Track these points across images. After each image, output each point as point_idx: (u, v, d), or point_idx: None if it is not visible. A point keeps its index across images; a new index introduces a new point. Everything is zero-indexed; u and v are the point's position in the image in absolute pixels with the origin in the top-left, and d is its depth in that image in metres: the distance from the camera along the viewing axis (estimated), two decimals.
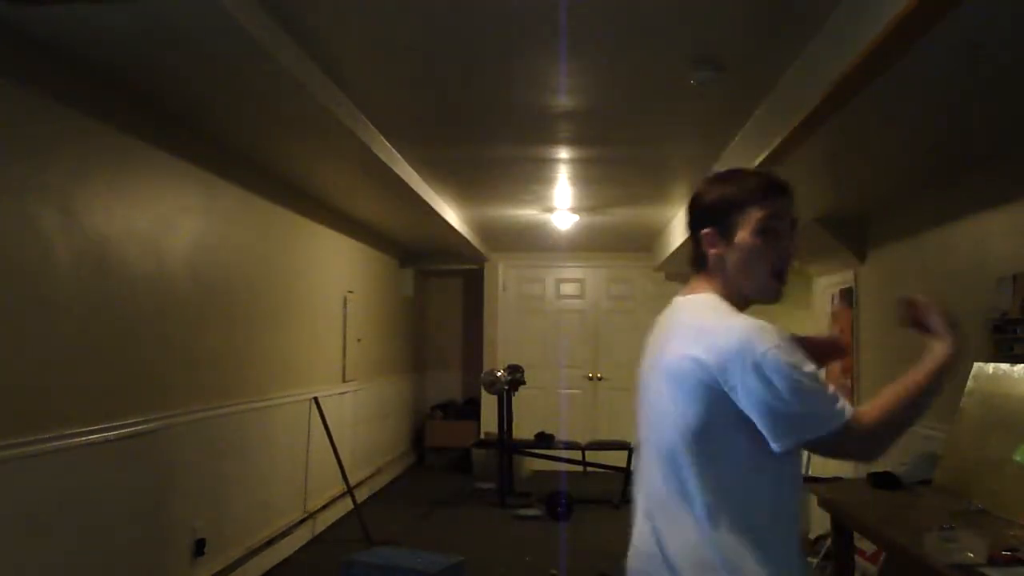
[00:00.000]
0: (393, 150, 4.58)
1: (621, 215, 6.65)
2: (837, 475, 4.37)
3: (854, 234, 5.06)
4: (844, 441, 1.41)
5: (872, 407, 1.45)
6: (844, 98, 2.72)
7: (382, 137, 4.32)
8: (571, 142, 4.53)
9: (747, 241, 1.53)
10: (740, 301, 1.55)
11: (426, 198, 5.55)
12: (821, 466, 5.77)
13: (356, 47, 3.19)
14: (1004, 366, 3.04)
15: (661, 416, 1.49)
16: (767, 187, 1.54)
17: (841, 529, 3.27)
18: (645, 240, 8.00)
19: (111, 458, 3.25)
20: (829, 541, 3.93)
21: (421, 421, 9.24)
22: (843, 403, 1.41)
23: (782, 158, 3.49)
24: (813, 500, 4.61)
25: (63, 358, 2.99)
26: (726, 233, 1.54)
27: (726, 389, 1.40)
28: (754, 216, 1.52)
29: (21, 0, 2.42)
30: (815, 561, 4.91)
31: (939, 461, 3.20)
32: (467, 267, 9.17)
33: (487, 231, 7.85)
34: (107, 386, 3.26)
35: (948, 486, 3.03)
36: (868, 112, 2.97)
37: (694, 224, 1.59)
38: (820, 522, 5.10)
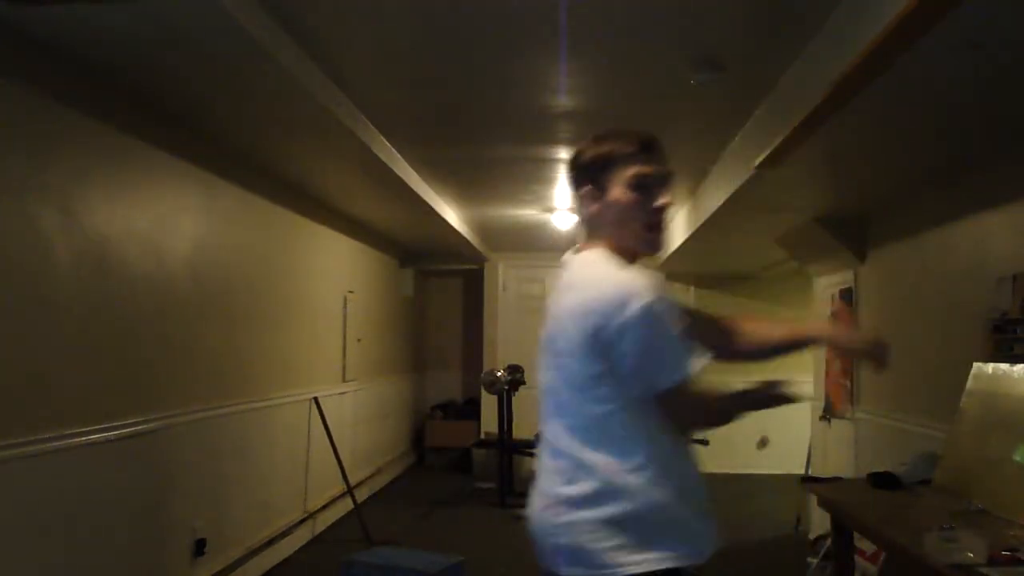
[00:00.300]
0: (393, 150, 4.58)
1: None
2: (837, 475, 4.37)
3: (854, 234, 5.05)
4: (673, 402, 1.54)
5: (713, 391, 1.59)
6: (844, 98, 2.72)
7: (382, 137, 4.32)
8: (571, 142, 4.53)
9: (620, 196, 1.62)
10: (626, 254, 1.64)
11: (426, 198, 5.55)
12: (821, 466, 5.78)
13: (356, 47, 3.20)
14: (1004, 366, 3.04)
15: (560, 366, 1.61)
16: (637, 144, 1.62)
17: (841, 529, 3.27)
18: None
19: (111, 458, 3.25)
20: (829, 541, 3.93)
21: (421, 421, 9.24)
22: (687, 368, 1.52)
23: (782, 158, 3.49)
24: (813, 500, 4.61)
25: (63, 358, 2.99)
26: (602, 190, 1.64)
27: (609, 339, 1.50)
28: (626, 173, 1.61)
29: (21, 0, 2.42)
30: (815, 561, 4.92)
31: (939, 461, 3.20)
32: (467, 267, 9.17)
33: (487, 231, 7.85)
34: (107, 386, 3.26)
35: (948, 486, 3.03)
36: (868, 112, 2.97)
37: (574, 183, 1.70)
38: (820, 522, 5.10)
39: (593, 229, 1.68)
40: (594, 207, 1.65)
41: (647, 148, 1.63)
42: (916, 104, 2.97)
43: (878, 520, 2.74)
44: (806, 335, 1.91)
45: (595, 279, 1.57)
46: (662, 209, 1.63)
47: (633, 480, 1.53)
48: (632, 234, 1.62)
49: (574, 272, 1.65)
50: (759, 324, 1.83)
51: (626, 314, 1.48)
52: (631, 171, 1.61)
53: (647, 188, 1.61)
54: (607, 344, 1.50)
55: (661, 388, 1.52)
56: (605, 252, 1.62)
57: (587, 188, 1.65)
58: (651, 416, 1.55)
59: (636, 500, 1.53)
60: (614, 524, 1.53)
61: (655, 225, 1.63)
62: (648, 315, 1.48)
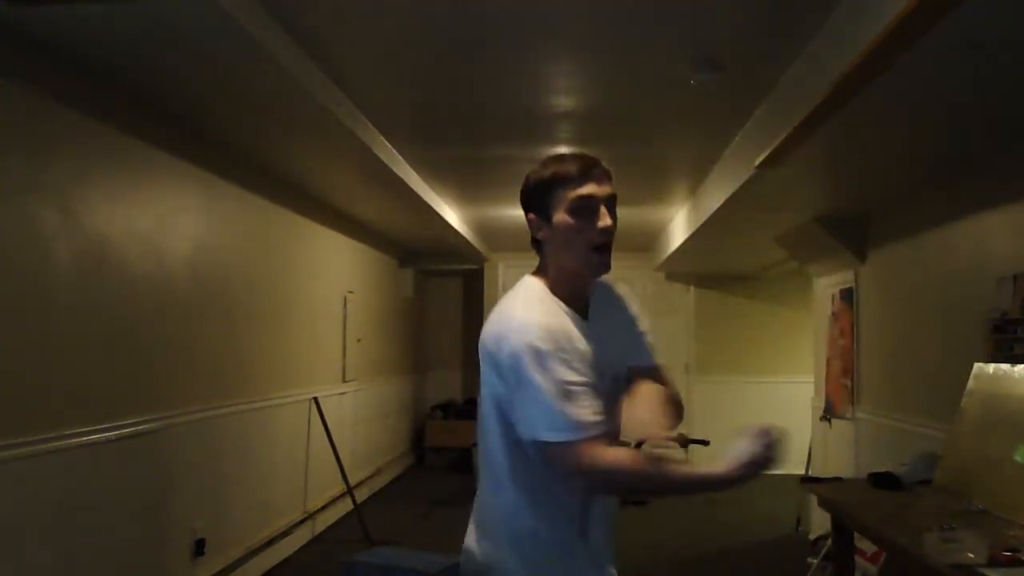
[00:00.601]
0: (393, 150, 4.58)
1: (621, 215, 6.56)
2: (837, 475, 4.37)
3: (854, 234, 5.05)
4: (545, 458, 1.50)
5: (614, 454, 1.48)
6: (844, 98, 2.72)
7: (382, 137, 4.32)
8: (571, 142, 4.52)
9: (562, 221, 1.59)
10: (571, 278, 1.62)
11: (426, 198, 5.55)
12: (821, 466, 5.78)
13: (356, 47, 3.19)
14: (1004, 366, 3.04)
15: (481, 387, 1.61)
16: (577, 168, 1.60)
17: (841, 529, 3.27)
18: (645, 240, 8.00)
19: (111, 458, 3.25)
20: (829, 541, 3.93)
21: (421, 421, 9.24)
22: (565, 426, 1.46)
23: (782, 158, 3.49)
24: (813, 500, 4.61)
25: (63, 358, 2.99)
26: (546, 216, 1.62)
27: (499, 372, 1.53)
28: (566, 196, 1.59)
29: (21, 0, 2.42)
30: (815, 562, 4.92)
31: (939, 461, 3.19)
32: (467, 267, 9.17)
33: (487, 231, 7.85)
34: (107, 386, 3.26)
35: (948, 486, 3.02)
36: (868, 112, 2.97)
37: (524, 209, 1.68)
38: (820, 522, 5.10)
39: (543, 255, 1.66)
40: (541, 233, 1.64)
41: (587, 170, 1.60)
42: (916, 104, 2.97)
43: (878, 520, 2.74)
44: (709, 479, 1.59)
45: (499, 311, 1.60)
46: (605, 231, 1.59)
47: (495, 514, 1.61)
48: (576, 256, 1.60)
49: (503, 299, 1.66)
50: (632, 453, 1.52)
51: (501, 353, 1.51)
52: (570, 195, 1.58)
53: (589, 210, 1.58)
54: (500, 376, 1.54)
55: (530, 439, 1.50)
56: (534, 284, 1.63)
57: (533, 216, 1.64)
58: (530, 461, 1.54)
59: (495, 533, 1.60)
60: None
61: (600, 247, 1.59)
62: (516, 360, 1.48)
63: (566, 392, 1.47)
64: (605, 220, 1.59)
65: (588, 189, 1.59)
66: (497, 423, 1.56)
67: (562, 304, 1.60)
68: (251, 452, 4.69)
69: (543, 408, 1.47)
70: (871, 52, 2.31)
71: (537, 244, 1.67)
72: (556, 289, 1.62)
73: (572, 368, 1.49)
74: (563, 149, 4.71)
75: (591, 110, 3.90)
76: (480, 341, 1.59)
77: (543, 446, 1.48)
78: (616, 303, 1.74)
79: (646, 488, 1.62)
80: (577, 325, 1.58)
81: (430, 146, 4.71)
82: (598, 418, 1.49)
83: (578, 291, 1.64)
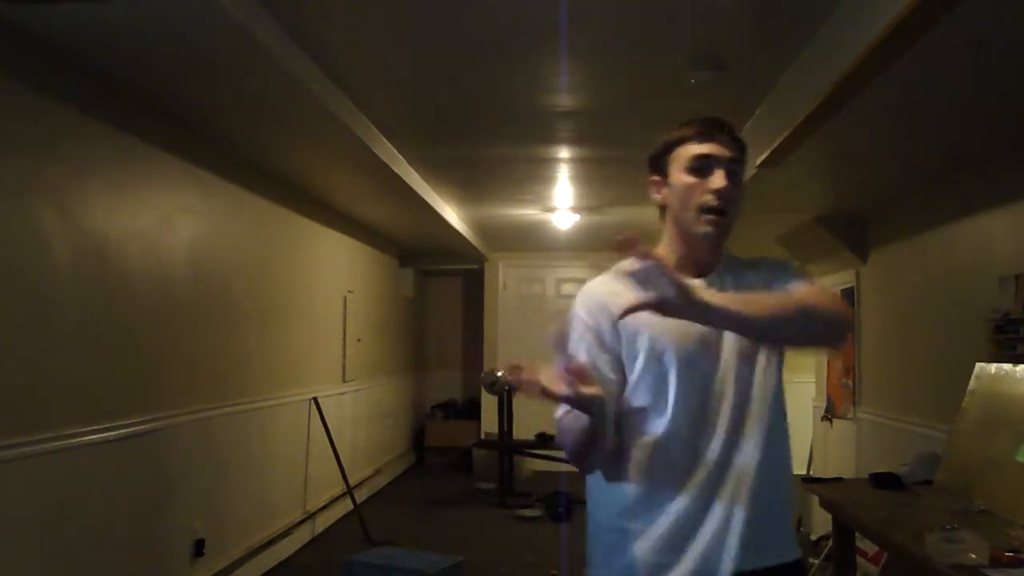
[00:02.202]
0: (393, 150, 4.58)
1: (621, 215, 6.64)
2: (838, 475, 4.37)
3: (854, 234, 5.05)
4: None
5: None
6: (844, 98, 2.72)
7: (382, 137, 4.32)
8: (571, 142, 4.52)
9: (678, 180, 1.56)
10: (685, 242, 1.58)
11: (426, 198, 5.55)
12: (823, 467, 5.77)
13: (356, 47, 3.19)
14: (1006, 366, 3.04)
15: None
16: (698, 127, 1.56)
17: (843, 529, 3.26)
18: (645, 240, 7.98)
19: (111, 458, 3.24)
20: (830, 542, 3.93)
21: (421, 421, 9.24)
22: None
23: (782, 158, 3.49)
24: (815, 501, 4.61)
25: (63, 358, 2.98)
26: (664, 176, 1.60)
27: None
28: (684, 155, 1.55)
29: (21, 0, 2.42)
30: (817, 562, 4.91)
31: (941, 461, 3.19)
32: (467, 267, 9.16)
33: (487, 231, 7.84)
34: (107, 386, 3.25)
35: (950, 486, 3.02)
36: (868, 112, 2.97)
37: (649, 172, 1.65)
38: (822, 522, 5.10)
39: (664, 217, 1.63)
40: (659, 195, 1.62)
41: (708, 130, 1.55)
42: (916, 104, 2.97)
43: (880, 521, 2.73)
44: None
45: None
46: (719, 192, 1.52)
47: None
48: (687, 218, 1.55)
49: None
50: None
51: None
52: (688, 153, 1.55)
53: (705, 170, 1.53)
54: None
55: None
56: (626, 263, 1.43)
57: (653, 178, 1.63)
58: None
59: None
60: None
61: (712, 210, 1.53)
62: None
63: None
64: (720, 181, 1.53)
65: (706, 148, 1.54)
66: None
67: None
68: (251, 452, 4.68)
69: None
70: (871, 52, 2.31)
71: (662, 211, 1.63)
72: (666, 251, 1.58)
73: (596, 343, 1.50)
74: (563, 149, 4.71)
75: (591, 110, 3.90)
76: None
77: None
78: (750, 270, 1.64)
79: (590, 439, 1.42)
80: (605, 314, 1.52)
81: (430, 146, 4.71)
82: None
83: (694, 258, 1.56)
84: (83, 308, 3.11)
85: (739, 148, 1.57)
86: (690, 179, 1.54)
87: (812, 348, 1.77)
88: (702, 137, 1.55)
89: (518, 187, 5.76)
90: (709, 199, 1.53)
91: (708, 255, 1.58)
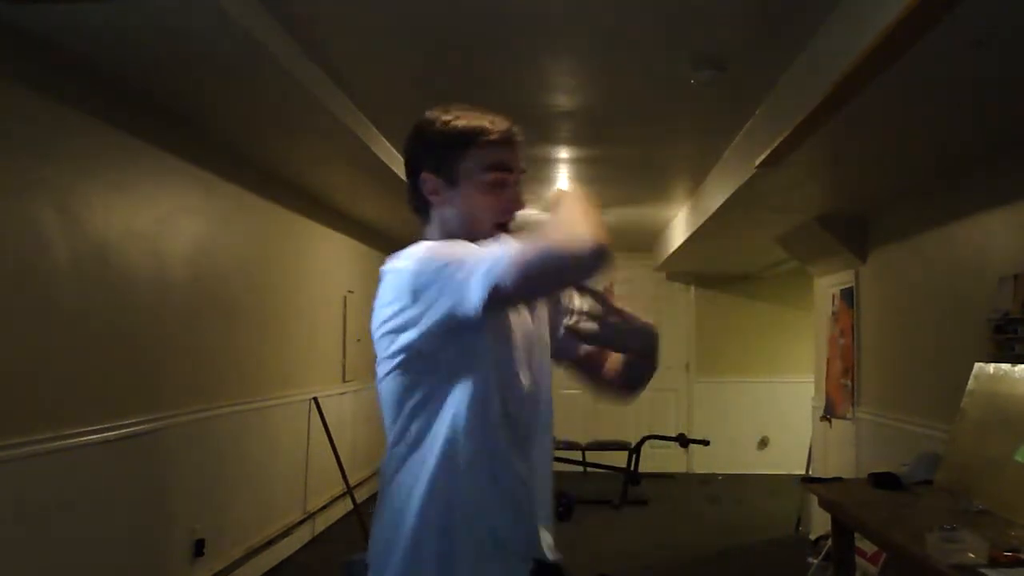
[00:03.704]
0: (393, 150, 4.58)
1: (621, 215, 6.64)
2: (838, 475, 4.37)
3: (854, 234, 5.05)
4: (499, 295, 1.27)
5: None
6: (844, 98, 2.72)
7: (382, 137, 4.32)
8: (571, 142, 4.53)
9: (471, 188, 1.37)
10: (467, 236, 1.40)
11: None
12: (822, 467, 5.77)
13: (356, 46, 3.19)
14: (1005, 366, 3.04)
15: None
16: (501, 128, 1.39)
17: (842, 529, 3.26)
18: (645, 240, 7.99)
19: (111, 458, 3.25)
20: (830, 542, 3.93)
21: None
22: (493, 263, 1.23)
23: (782, 158, 3.49)
24: (814, 500, 4.61)
25: (63, 358, 2.99)
26: (449, 178, 1.38)
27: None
28: (482, 161, 1.37)
29: (21, 0, 2.42)
30: (816, 562, 4.91)
31: (940, 461, 3.19)
32: None
33: None
34: (107, 386, 3.25)
35: (949, 486, 3.02)
36: (868, 112, 2.97)
37: (412, 163, 1.42)
38: (821, 522, 5.10)
39: (428, 219, 1.44)
40: (436, 195, 1.39)
41: (510, 134, 1.38)
42: (916, 104, 2.97)
43: (879, 521, 2.74)
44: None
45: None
46: (515, 209, 1.40)
47: None
48: (477, 232, 1.37)
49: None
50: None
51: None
52: (490, 159, 1.36)
53: (505, 183, 1.38)
54: None
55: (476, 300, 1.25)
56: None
57: (429, 175, 1.39)
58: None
59: None
60: None
61: (504, 226, 1.39)
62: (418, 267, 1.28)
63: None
64: (519, 199, 1.39)
65: (510, 158, 1.38)
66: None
67: None
68: (251, 452, 4.69)
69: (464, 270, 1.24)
70: (871, 52, 2.31)
71: (421, 206, 1.44)
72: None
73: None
74: (563, 149, 4.71)
75: (591, 110, 3.90)
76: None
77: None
78: None
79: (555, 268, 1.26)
80: None
81: None
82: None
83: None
84: (83, 308, 3.11)
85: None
86: (487, 191, 1.38)
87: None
88: (504, 143, 1.39)
89: None
90: (505, 216, 1.39)
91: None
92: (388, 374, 1.38)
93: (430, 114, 1.42)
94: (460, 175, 1.38)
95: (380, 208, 6.21)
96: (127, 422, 3.36)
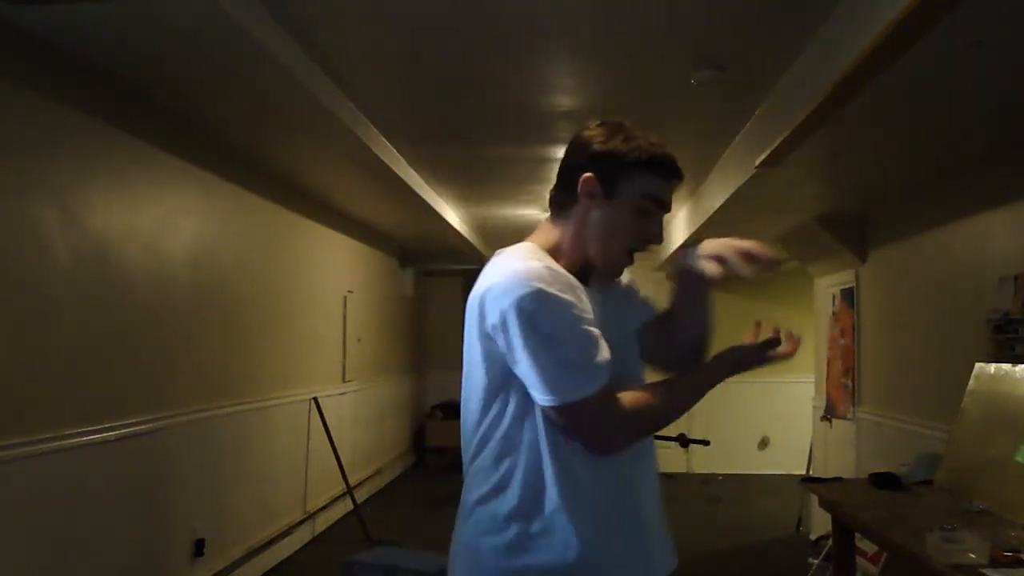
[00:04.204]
0: (393, 150, 4.58)
1: None
2: (838, 476, 4.37)
3: (854, 234, 5.05)
4: (569, 421, 1.31)
5: (636, 399, 1.37)
6: (844, 98, 2.72)
7: (382, 137, 4.32)
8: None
9: (622, 209, 1.42)
10: (582, 258, 1.44)
11: (426, 198, 5.55)
12: (822, 467, 5.77)
13: (356, 47, 3.19)
14: (1006, 366, 3.04)
15: (467, 366, 1.43)
16: (670, 165, 1.43)
17: (842, 530, 3.26)
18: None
19: (111, 458, 3.25)
20: (830, 542, 3.93)
21: (421, 421, 9.24)
22: (588, 381, 1.29)
23: (782, 158, 3.49)
24: (814, 501, 4.61)
25: (63, 358, 2.99)
26: (608, 191, 1.42)
27: (493, 337, 1.33)
28: (644, 189, 1.42)
29: (21, 0, 2.42)
30: (816, 562, 4.91)
31: (940, 461, 3.19)
32: (467, 267, 9.16)
33: (487, 231, 7.84)
34: (107, 386, 3.25)
35: (950, 486, 3.02)
36: (868, 112, 2.97)
37: (580, 162, 1.45)
38: (821, 522, 5.10)
39: (563, 217, 1.46)
40: (587, 199, 1.42)
41: (674, 173, 1.44)
42: (916, 104, 2.97)
43: (879, 521, 2.73)
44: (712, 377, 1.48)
45: (499, 268, 1.38)
46: (651, 241, 1.45)
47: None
48: (608, 249, 1.43)
49: (492, 264, 1.43)
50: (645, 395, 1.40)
51: (510, 308, 1.29)
52: (651, 189, 1.42)
53: (653, 215, 1.43)
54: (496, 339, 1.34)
55: (543, 401, 1.31)
56: (532, 246, 1.44)
57: (591, 176, 1.41)
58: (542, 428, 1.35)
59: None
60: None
61: (633, 252, 1.46)
62: (535, 310, 1.28)
63: (583, 338, 1.30)
64: (659, 235, 1.45)
65: (666, 195, 1.44)
66: (515, 396, 1.35)
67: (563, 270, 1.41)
68: (251, 452, 4.69)
69: (566, 366, 1.29)
70: (871, 52, 2.31)
71: (565, 199, 1.46)
72: (561, 257, 1.43)
73: (590, 324, 1.32)
74: (563, 149, 4.70)
75: (591, 110, 3.90)
76: (472, 307, 1.40)
77: (566, 408, 1.29)
78: (605, 287, 1.53)
79: (664, 416, 1.42)
80: (583, 293, 1.39)
81: (430, 146, 4.71)
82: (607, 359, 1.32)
83: (580, 271, 1.43)
84: (83, 308, 3.11)
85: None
86: (635, 216, 1.42)
87: None
88: (668, 179, 1.44)
89: (518, 187, 5.76)
90: (640, 245, 1.45)
91: (591, 274, 1.47)
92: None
93: (616, 121, 1.47)
94: (621, 190, 1.42)
95: (380, 208, 6.21)
96: (127, 422, 3.36)
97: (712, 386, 1.49)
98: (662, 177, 1.43)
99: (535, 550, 1.33)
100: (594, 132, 1.46)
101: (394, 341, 8.35)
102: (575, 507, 1.33)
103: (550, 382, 1.29)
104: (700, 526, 6.42)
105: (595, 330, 1.33)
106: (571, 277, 1.37)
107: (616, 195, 1.42)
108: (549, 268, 1.34)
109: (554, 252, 1.44)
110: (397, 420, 8.47)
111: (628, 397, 1.36)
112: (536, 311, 1.28)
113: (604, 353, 1.32)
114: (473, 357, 1.40)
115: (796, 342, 1.50)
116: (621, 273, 1.51)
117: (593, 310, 1.36)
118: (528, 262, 1.35)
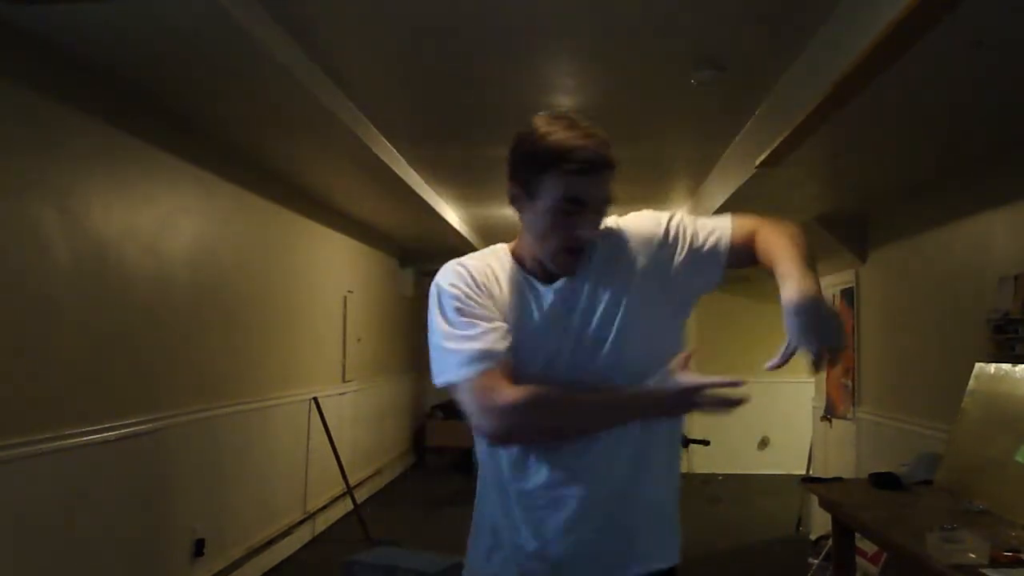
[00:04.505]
0: (393, 150, 4.58)
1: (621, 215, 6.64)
2: (838, 476, 4.37)
3: (854, 234, 5.05)
4: (461, 401, 1.38)
5: (525, 391, 1.33)
6: (844, 98, 2.72)
7: (382, 137, 4.32)
8: None
9: (543, 212, 1.39)
10: (536, 259, 1.46)
11: (426, 198, 5.55)
12: (822, 467, 5.77)
13: (356, 47, 3.19)
14: (1006, 366, 3.04)
15: None
16: (582, 158, 1.36)
17: (842, 530, 3.26)
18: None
19: (111, 458, 3.25)
20: (830, 542, 3.93)
21: (421, 421, 9.24)
22: (470, 366, 1.34)
23: (782, 158, 3.49)
24: (814, 501, 4.61)
25: (63, 358, 2.99)
26: (529, 195, 1.41)
27: None
28: (557, 189, 1.36)
29: (21, 0, 2.42)
30: (816, 562, 4.91)
31: (940, 461, 3.19)
32: None
33: (487, 231, 7.84)
34: (107, 386, 3.25)
35: (949, 486, 3.02)
36: (868, 112, 2.97)
37: (509, 170, 1.45)
38: (821, 522, 5.10)
39: (523, 229, 1.49)
40: (518, 204, 1.45)
41: (591, 166, 1.36)
42: (916, 104, 2.97)
43: (879, 521, 2.73)
44: (651, 401, 1.47)
45: None
46: (583, 238, 1.40)
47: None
48: (545, 251, 1.42)
49: None
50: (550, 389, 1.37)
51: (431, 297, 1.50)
52: (564, 191, 1.36)
53: (576, 213, 1.38)
54: None
55: (437, 381, 1.43)
56: (498, 246, 1.55)
57: (516, 186, 1.43)
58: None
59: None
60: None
61: (572, 250, 1.41)
62: (437, 303, 1.46)
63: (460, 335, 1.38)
64: (588, 229, 1.40)
65: (583, 191, 1.37)
66: None
67: (520, 269, 1.46)
68: (251, 452, 4.69)
69: (451, 352, 1.39)
70: (871, 52, 2.31)
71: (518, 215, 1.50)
72: (522, 258, 1.48)
73: (476, 316, 1.39)
74: None
75: (591, 110, 3.90)
76: None
77: (455, 388, 1.39)
78: (623, 253, 1.48)
79: (564, 421, 1.39)
80: (528, 291, 1.44)
81: (430, 146, 4.71)
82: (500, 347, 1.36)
83: (544, 268, 1.45)
84: (83, 308, 3.11)
85: (612, 171, 1.40)
86: (556, 217, 1.38)
87: None
88: (583, 174, 1.36)
89: None
90: (571, 243, 1.40)
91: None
92: None
93: (534, 121, 1.44)
94: (539, 191, 1.40)
95: (380, 208, 6.21)
96: (127, 422, 3.36)
97: (639, 416, 1.45)
98: (578, 174, 1.36)
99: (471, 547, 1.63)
100: (517, 135, 1.45)
101: (394, 341, 8.35)
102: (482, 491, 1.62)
103: (432, 365, 1.43)
104: (700, 526, 6.42)
105: (484, 323, 1.39)
106: (492, 274, 1.47)
107: (538, 197, 1.39)
108: (462, 265, 1.48)
109: (518, 252, 1.50)
110: (397, 420, 8.47)
111: (525, 391, 1.33)
112: (431, 304, 1.46)
113: (486, 344, 1.36)
114: None
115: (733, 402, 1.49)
116: (571, 270, 1.43)
117: (553, 303, 1.43)
118: (454, 261, 1.52)
